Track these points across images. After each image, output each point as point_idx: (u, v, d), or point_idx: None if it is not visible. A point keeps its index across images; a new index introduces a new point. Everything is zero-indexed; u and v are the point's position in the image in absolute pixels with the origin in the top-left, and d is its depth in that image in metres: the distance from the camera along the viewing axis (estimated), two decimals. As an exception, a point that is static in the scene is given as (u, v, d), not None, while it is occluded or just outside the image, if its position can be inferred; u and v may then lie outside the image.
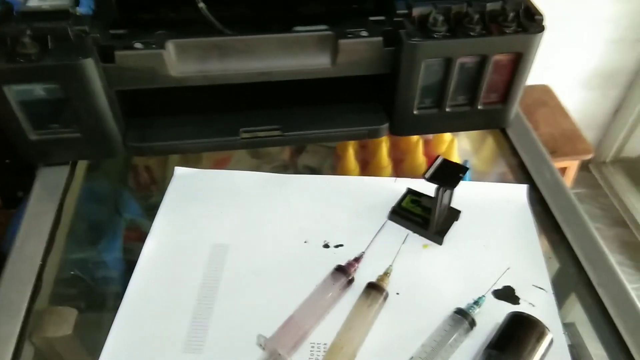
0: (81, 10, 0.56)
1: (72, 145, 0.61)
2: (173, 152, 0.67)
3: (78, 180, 0.67)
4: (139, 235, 0.72)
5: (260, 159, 0.85)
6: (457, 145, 0.78)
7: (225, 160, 0.77)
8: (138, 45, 0.55)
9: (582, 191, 1.89)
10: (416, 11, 0.58)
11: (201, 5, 0.58)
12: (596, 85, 1.76)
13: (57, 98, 0.56)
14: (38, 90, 0.55)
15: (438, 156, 0.55)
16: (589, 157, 1.51)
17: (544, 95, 1.63)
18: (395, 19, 0.59)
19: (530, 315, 0.48)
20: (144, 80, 0.57)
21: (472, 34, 0.57)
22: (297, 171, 0.77)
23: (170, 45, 0.56)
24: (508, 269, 0.56)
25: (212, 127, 0.63)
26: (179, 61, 0.57)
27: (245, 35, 0.58)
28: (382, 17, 0.61)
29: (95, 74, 0.54)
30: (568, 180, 1.58)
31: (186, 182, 0.65)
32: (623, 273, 0.54)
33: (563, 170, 1.54)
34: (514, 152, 0.70)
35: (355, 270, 0.54)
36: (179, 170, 0.66)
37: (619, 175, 1.90)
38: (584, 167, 1.97)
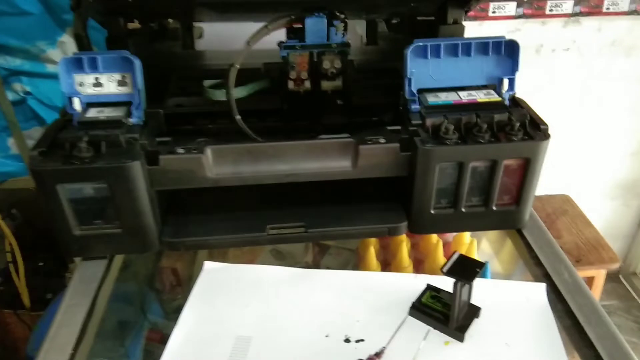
0: (133, 120, 0.64)
1: (112, 241, 0.65)
2: (203, 247, 0.71)
3: (113, 275, 0.71)
4: (160, 337, 0.74)
5: (284, 260, 0.88)
6: (476, 248, 0.80)
7: (250, 262, 0.80)
8: (180, 150, 0.62)
9: (613, 303, 1.83)
10: (429, 121, 0.64)
11: (238, 117, 0.65)
12: (617, 196, 1.78)
13: (103, 196, 0.61)
14: (87, 189, 0.61)
15: (455, 252, 0.58)
16: (615, 265, 1.48)
17: (565, 205, 1.65)
18: (410, 128, 0.65)
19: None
20: (184, 181, 0.63)
21: (481, 140, 0.63)
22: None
23: (208, 150, 0.62)
24: (531, 367, 0.55)
25: (241, 224, 0.68)
26: (215, 164, 0.63)
27: (275, 142, 0.64)
28: (398, 127, 0.67)
29: (141, 175, 0.60)
30: (596, 290, 1.53)
31: (214, 275, 0.68)
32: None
33: (590, 280, 1.51)
34: (532, 253, 0.72)
35: (376, 365, 0.55)
36: (208, 265, 0.70)
37: (651, 286, 1.85)
38: (614, 278, 1.92)
